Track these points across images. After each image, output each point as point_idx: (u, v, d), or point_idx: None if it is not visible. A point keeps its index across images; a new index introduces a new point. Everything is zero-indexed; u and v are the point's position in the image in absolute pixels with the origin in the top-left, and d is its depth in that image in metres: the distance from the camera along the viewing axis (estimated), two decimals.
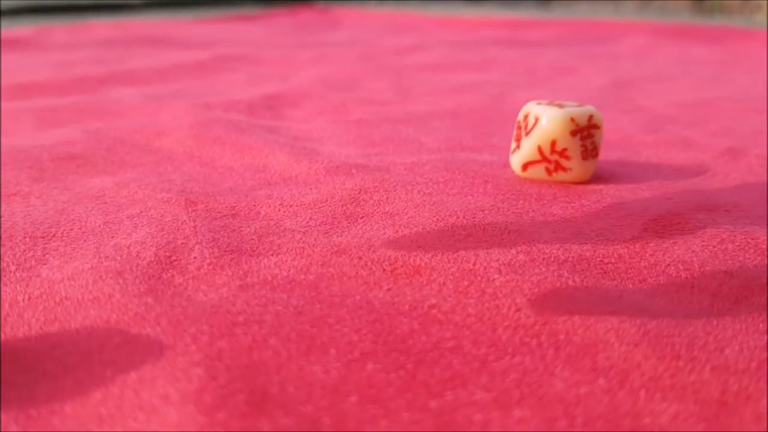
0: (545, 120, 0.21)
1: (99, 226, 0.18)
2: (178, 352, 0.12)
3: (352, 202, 0.20)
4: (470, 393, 0.11)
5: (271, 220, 0.18)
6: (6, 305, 0.14)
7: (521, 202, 0.19)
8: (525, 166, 0.22)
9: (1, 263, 0.16)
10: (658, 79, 0.45)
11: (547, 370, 0.12)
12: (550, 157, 0.22)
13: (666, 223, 0.18)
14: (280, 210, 0.19)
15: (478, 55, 0.56)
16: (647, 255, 0.16)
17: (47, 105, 0.33)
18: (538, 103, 0.22)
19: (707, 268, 0.15)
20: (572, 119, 0.21)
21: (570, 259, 0.16)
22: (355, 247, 0.17)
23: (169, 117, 0.30)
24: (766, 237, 0.17)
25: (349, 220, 0.18)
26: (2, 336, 0.13)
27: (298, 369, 0.12)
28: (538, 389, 0.11)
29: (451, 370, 0.12)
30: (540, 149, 0.21)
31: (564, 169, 0.22)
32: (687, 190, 0.21)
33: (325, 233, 0.17)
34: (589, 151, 0.22)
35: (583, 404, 0.11)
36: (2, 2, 0.93)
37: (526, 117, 0.22)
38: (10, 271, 0.16)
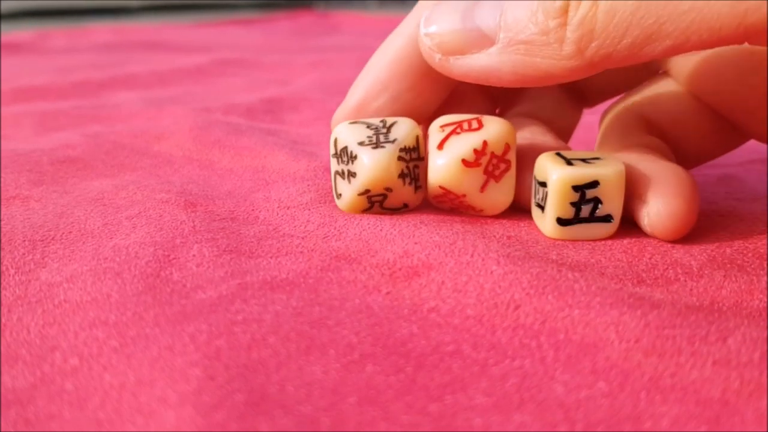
0: None
1: (98, 228, 0.18)
2: (176, 352, 0.12)
3: None
4: (470, 397, 0.11)
5: (270, 224, 0.18)
6: (5, 309, 0.14)
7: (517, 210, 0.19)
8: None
9: (1, 267, 0.16)
10: None
11: (547, 373, 0.12)
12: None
13: None
14: (278, 213, 0.19)
15: None
16: (645, 259, 0.16)
17: (47, 109, 0.33)
18: None
19: (705, 271, 0.15)
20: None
21: (567, 262, 0.16)
22: (353, 251, 0.16)
23: (169, 120, 0.30)
24: (765, 240, 0.17)
25: (346, 220, 0.18)
26: (2, 340, 0.13)
27: (297, 369, 0.12)
28: (538, 393, 0.11)
29: (450, 374, 0.12)
30: None
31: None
32: None
33: (324, 237, 0.17)
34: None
35: (583, 409, 0.11)
36: (2, 6, 0.93)
37: None
38: (9, 275, 0.16)
